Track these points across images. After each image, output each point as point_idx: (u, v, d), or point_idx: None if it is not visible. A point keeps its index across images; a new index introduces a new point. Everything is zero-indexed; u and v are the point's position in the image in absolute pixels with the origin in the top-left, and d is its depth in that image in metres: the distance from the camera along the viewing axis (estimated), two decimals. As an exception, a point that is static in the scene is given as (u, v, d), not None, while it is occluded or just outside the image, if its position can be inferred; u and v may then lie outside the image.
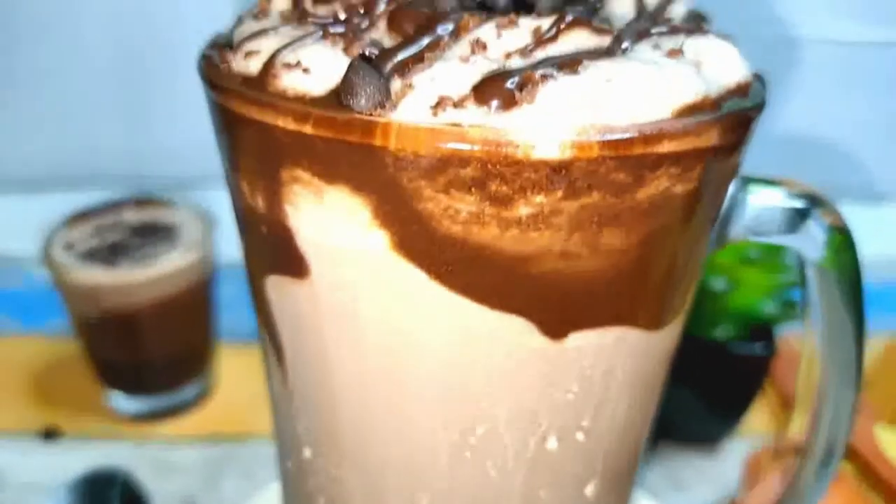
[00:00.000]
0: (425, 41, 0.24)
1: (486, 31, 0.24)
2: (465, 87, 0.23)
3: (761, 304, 0.57)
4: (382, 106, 0.23)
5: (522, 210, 0.23)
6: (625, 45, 0.25)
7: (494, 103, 0.22)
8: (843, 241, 0.30)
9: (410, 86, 0.23)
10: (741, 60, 0.27)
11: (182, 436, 0.62)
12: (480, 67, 0.23)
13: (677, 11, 0.31)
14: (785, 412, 0.62)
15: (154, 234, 0.62)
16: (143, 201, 0.66)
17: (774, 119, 0.76)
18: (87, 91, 0.79)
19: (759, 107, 0.26)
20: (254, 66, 0.25)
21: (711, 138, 0.24)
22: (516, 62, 0.24)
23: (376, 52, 0.24)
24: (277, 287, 0.29)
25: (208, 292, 0.63)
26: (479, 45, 0.24)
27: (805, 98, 0.77)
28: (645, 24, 0.26)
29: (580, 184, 0.23)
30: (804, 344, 0.36)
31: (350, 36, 0.25)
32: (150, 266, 0.58)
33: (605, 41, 0.25)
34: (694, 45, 0.26)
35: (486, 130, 0.22)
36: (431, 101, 0.22)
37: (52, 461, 0.60)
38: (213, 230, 0.62)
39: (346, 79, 0.23)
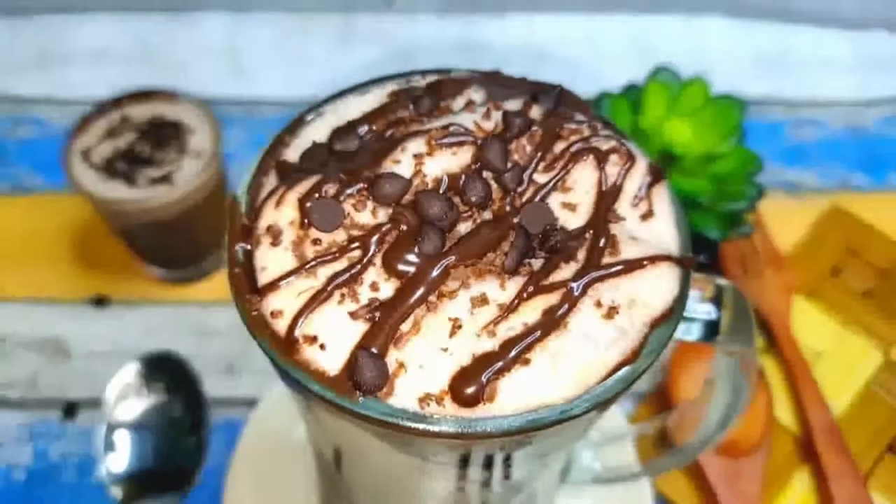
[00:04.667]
0: (414, 304, 0.31)
1: (462, 308, 0.31)
2: (443, 382, 0.30)
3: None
4: (381, 388, 0.30)
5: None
6: (569, 304, 0.31)
7: (465, 399, 0.30)
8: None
9: (403, 366, 0.30)
10: (673, 284, 0.33)
11: (215, 300, 0.74)
12: (457, 359, 0.30)
13: (638, 176, 0.36)
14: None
15: (164, 138, 0.67)
16: (142, 95, 0.69)
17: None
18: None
19: (675, 327, 0.33)
20: (280, 326, 0.32)
21: (628, 389, 0.32)
22: (484, 343, 0.31)
23: (377, 316, 0.31)
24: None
25: (224, 180, 0.69)
26: (456, 327, 0.31)
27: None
28: (593, 274, 0.32)
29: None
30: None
31: (353, 286, 0.32)
32: (170, 185, 0.64)
33: (556, 299, 0.31)
34: (633, 287, 0.32)
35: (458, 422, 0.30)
36: (419, 394, 0.30)
37: (107, 329, 0.72)
38: (218, 126, 0.67)
39: (353, 370, 0.30)
